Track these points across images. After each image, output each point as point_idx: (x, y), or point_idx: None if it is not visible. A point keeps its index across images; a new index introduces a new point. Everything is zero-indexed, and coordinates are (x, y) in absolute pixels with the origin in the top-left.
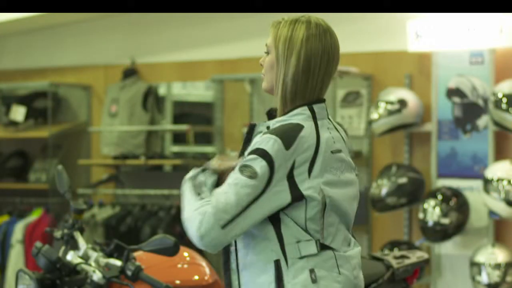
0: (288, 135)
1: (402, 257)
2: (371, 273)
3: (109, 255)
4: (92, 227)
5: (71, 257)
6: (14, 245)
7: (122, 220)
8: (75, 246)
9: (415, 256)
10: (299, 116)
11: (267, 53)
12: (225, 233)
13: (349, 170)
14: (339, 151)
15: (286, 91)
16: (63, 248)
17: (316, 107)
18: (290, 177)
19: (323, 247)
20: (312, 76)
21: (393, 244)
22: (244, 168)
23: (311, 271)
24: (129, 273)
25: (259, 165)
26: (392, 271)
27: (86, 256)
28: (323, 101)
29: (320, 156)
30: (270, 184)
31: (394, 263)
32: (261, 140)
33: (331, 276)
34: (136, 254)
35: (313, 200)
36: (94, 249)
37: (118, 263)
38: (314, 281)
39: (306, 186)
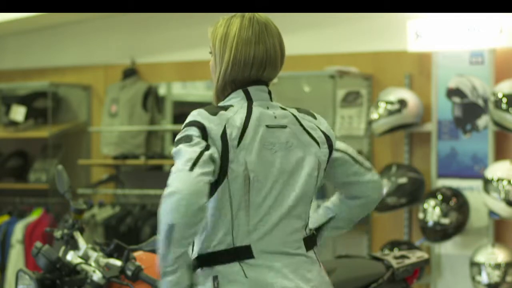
0: (213, 107)
1: (402, 257)
2: (371, 273)
3: (109, 255)
4: (92, 227)
5: (71, 257)
6: (14, 245)
7: (122, 220)
8: (75, 246)
9: (415, 256)
10: (233, 99)
11: (211, 53)
12: (196, 172)
13: (301, 149)
14: (283, 126)
15: (218, 84)
16: (63, 248)
17: (251, 89)
18: (224, 140)
19: (231, 255)
20: (244, 64)
21: (393, 244)
22: (178, 141)
23: (214, 278)
24: (129, 273)
25: (190, 131)
26: (392, 271)
27: (86, 256)
28: (262, 83)
29: (251, 127)
30: (208, 140)
31: (394, 263)
32: (187, 117)
33: (235, 282)
34: (136, 254)
35: (237, 176)
36: (94, 249)
37: (118, 263)
38: None
39: (232, 156)
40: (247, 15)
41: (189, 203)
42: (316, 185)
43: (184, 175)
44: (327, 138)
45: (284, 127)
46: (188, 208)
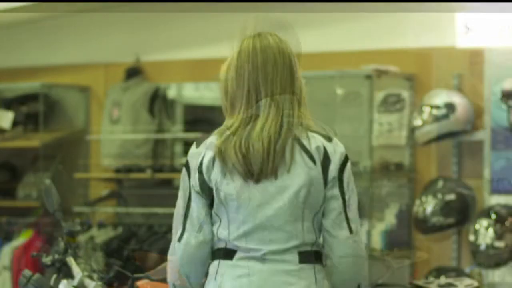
0: (204, 137)
1: (449, 285)
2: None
3: (109, 284)
4: (90, 251)
5: (64, 287)
6: (0, 272)
7: (125, 243)
8: (69, 274)
9: (463, 285)
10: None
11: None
12: (184, 244)
13: (289, 167)
14: None
15: (226, 107)
16: (54, 276)
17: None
18: (200, 170)
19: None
20: (242, 85)
21: (440, 271)
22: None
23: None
24: None
25: (183, 172)
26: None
27: (81, 285)
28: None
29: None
30: (191, 180)
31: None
32: None
33: (210, 282)
34: (140, 283)
35: (215, 196)
36: (91, 278)
37: None
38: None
39: (211, 180)
40: (245, 44)
41: (184, 272)
42: (306, 202)
43: (172, 248)
44: (328, 160)
45: None
46: (184, 275)
